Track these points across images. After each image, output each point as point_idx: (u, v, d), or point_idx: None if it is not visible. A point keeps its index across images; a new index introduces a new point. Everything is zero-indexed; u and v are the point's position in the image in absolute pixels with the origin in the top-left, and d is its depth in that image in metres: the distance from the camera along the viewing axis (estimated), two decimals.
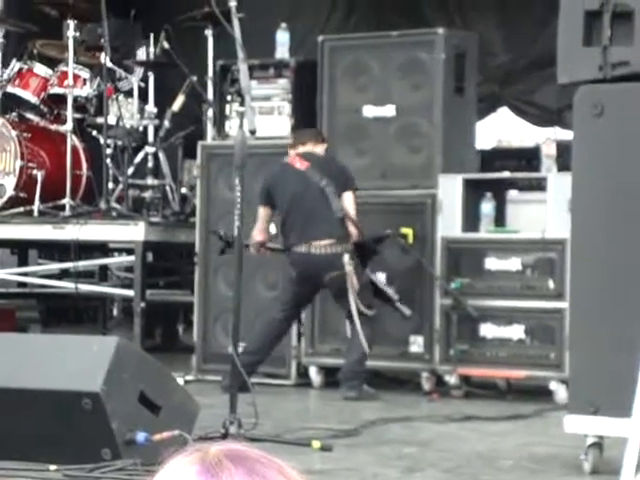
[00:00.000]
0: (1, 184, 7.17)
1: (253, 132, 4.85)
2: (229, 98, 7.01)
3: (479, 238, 6.32)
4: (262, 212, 6.24)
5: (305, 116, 6.80)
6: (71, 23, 7.11)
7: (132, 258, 7.19)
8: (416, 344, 6.43)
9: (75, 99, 7.24)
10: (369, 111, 6.63)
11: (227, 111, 7.02)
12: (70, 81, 7.19)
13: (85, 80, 7.35)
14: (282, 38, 6.87)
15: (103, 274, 8.92)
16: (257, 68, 6.75)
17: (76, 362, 4.10)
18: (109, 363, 4.06)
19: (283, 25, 6.93)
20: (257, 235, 6.23)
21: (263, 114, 6.78)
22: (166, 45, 7.30)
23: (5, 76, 7.32)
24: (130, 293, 7.18)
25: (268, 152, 6.72)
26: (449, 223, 6.33)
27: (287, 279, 6.33)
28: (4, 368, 4.15)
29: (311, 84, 6.74)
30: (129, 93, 7.46)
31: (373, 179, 6.59)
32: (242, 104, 4.93)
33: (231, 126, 6.92)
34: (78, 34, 7.17)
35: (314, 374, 6.66)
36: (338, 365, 6.24)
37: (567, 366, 5.62)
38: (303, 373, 6.70)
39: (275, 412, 5.46)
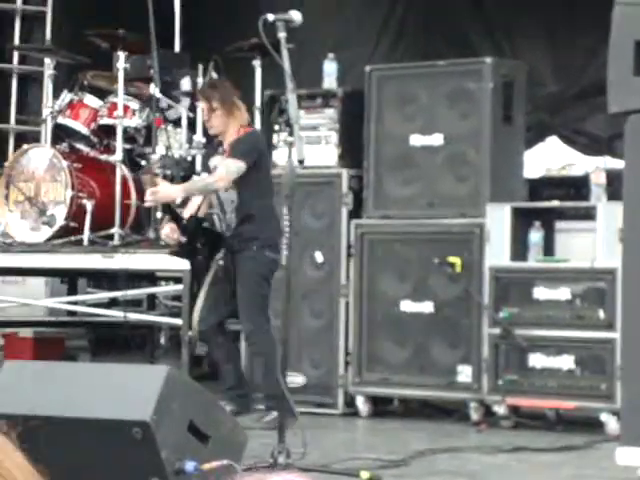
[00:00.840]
0: (52, 214, 7.23)
1: (302, 161, 4.86)
2: (277, 128, 7.02)
3: (528, 267, 6.27)
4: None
5: (352, 145, 6.80)
6: (121, 55, 7.17)
7: (180, 287, 7.21)
8: (464, 374, 6.38)
9: (125, 130, 7.29)
10: (416, 140, 6.62)
11: (274, 141, 7.04)
12: (120, 112, 7.24)
13: (134, 111, 7.40)
14: (330, 68, 6.88)
15: (151, 303, 8.95)
16: (305, 98, 6.76)
17: (126, 391, 4.10)
18: (159, 392, 4.06)
19: (331, 55, 6.95)
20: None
21: (310, 144, 6.79)
22: (215, 75, 7.33)
23: (56, 107, 7.39)
24: (178, 322, 7.20)
25: (315, 181, 6.73)
26: (497, 252, 6.29)
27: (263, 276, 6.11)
28: (54, 397, 4.16)
29: (358, 113, 6.74)
30: (177, 123, 7.50)
31: (420, 208, 6.57)
32: (290, 134, 4.92)
33: (278, 156, 6.94)
34: (128, 65, 7.22)
35: (361, 404, 6.63)
36: (386, 395, 6.21)
37: (618, 397, 5.55)
38: (350, 402, 6.67)
39: (323, 442, 5.44)
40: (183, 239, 6.33)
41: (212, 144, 6.31)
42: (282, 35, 4.74)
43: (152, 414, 3.96)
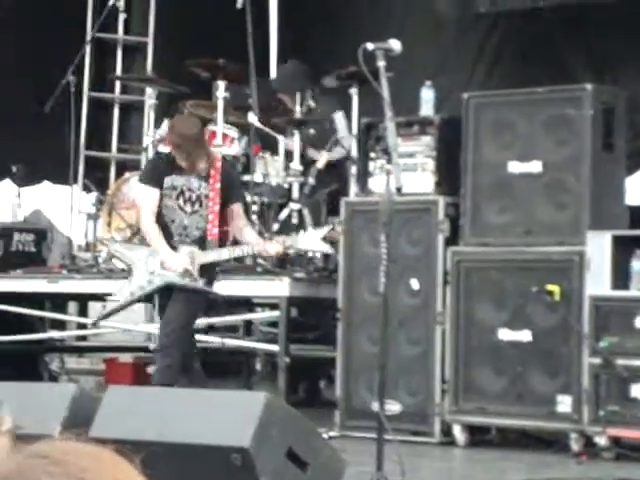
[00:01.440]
0: None
1: (400, 189, 4.85)
2: (373, 155, 7.02)
3: (629, 296, 6.15)
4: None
5: (449, 172, 6.76)
6: (221, 84, 7.24)
7: (276, 313, 7.23)
8: (564, 404, 6.27)
9: (223, 157, 7.35)
10: (514, 167, 6.55)
11: (371, 168, 7.03)
12: (219, 140, 7.31)
13: (233, 139, 7.47)
14: (427, 95, 6.86)
15: (247, 329, 8.99)
16: (402, 125, 6.74)
17: (225, 417, 4.11)
18: (258, 418, 4.06)
19: (428, 83, 6.93)
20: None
21: (407, 171, 6.77)
22: (312, 104, 7.37)
23: (157, 136, 7.49)
24: (274, 348, 7.21)
25: (412, 208, 6.70)
26: (598, 281, 6.19)
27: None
28: (153, 422, 4.18)
29: (455, 141, 6.71)
30: (275, 151, 7.55)
31: (518, 236, 6.50)
32: (388, 161, 4.91)
33: (374, 183, 6.93)
34: (227, 94, 7.29)
35: (458, 432, 6.55)
36: (483, 424, 6.13)
37: None
38: (447, 431, 6.60)
39: (420, 471, 5.38)
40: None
41: (163, 159, 6.16)
42: (381, 64, 4.74)
43: (251, 440, 3.97)
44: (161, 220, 5.98)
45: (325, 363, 8.24)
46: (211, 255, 5.99)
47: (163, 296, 6.04)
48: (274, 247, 6.01)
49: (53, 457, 1.30)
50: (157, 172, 6.03)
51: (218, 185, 5.96)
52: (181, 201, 5.97)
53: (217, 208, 5.98)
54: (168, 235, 5.99)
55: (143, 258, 6.07)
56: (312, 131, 7.58)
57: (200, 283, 5.96)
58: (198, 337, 7.91)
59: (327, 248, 6.37)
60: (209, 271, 6.03)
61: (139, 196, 6.17)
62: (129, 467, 1.45)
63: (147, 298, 6.23)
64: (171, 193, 5.98)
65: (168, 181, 5.99)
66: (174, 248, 5.97)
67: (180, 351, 5.94)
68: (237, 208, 6.06)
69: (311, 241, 6.10)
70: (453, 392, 6.61)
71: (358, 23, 8.92)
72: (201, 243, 6.00)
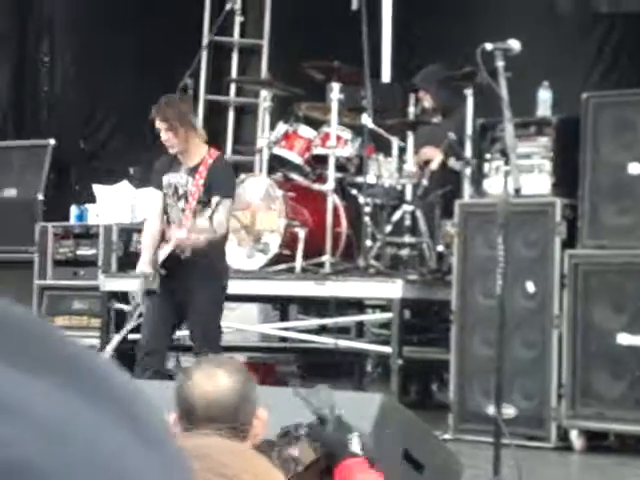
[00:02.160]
0: (266, 242, 7.35)
1: (518, 190, 4.79)
2: (488, 156, 6.95)
3: None
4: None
5: (566, 174, 6.65)
6: (335, 86, 7.25)
7: (389, 315, 7.20)
8: None
9: (337, 159, 7.36)
10: (635, 169, 6.42)
11: (485, 169, 6.96)
12: (333, 142, 7.31)
13: (347, 141, 7.46)
14: (544, 96, 6.77)
15: (359, 330, 8.98)
16: (518, 126, 6.66)
17: None
18: (374, 420, 4.04)
19: (545, 83, 6.83)
20: None
21: (523, 172, 6.68)
22: (426, 105, 7.33)
23: (272, 138, 7.53)
24: (386, 350, 7.18)
25: (528, 210, 6.61)
26: None
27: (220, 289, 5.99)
28: (275, 422, 4.19)
29: (572, 142, 6.60)
30: (388, 152, 7.53)
31: (637, 238, 6.36)
32: (506, 163, 4.86)
33: (490, 184, 6.85)
34: (342, 96, 7.29)
35: (575, 438, 6.44)
36: (601, 429, 6.01)
37: None
38: (563, 436, 6.49)
39: (536, 476, 5.30)
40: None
41: (163, 160, 6.01)
42: (500, 64, 4.69)
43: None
44: (167, 220, 5.92)
45: (437, 365, 8.19)
46: (162, 252, 5.83)
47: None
48: (177, 232, 5.73)
49: (195, 452, 1.30)
50: (157, 173, 5.96)
51: (201, 182, 5.80)
52: (175, 198, 5.87)
53: (194, 204, 5.80)
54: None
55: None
56: (453, 136, 7.43)
57: (153, 284, 5.84)
58: (311, 338, 7.94)
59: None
60: (169, 266, 5.85)
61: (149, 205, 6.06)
62: (268, 463, 1.45)
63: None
64: (168, 191, 5.89)
65: (166, 179, 5.90)
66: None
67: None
68: (214, 201, 5.77)
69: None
70: (570, 397, 6.49)
71: (473, 23, 8.84)
72: None
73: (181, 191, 5.86)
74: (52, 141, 8.52)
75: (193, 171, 5.84)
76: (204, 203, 5.81)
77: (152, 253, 5.86)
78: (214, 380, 2.65)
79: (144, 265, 5.85)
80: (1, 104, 9.33)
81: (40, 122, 9.44)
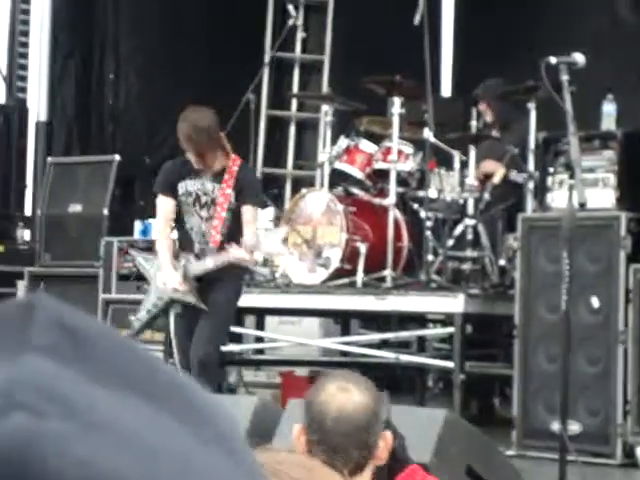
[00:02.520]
0: (327, 256, 7.34)
1: (583, 205, 4.73)
2: (551, 170, 6.88)
3: None
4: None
5: (631, 188, 6.57)
6: (397, 100, 7.23)
7: (451, 329, 7.16)
8: None
9: (398, 173, 7.33)
10: None
11: (549, 183, 6.89)
12: (394, 156, 7.29)
13: (408, 155, 7.44)
14: (608, 109, 6.69)
15: (420, 345, 8.93)
16: (582, 140, 6.59)
17: (404, 433, 4.07)
18: (438, 435, 4.01)
19: (610, 96, 6.76)
20: None
21: (588, 186, 6.61)
22: (488, 119, 7.29)
23: (333, 152, 7.52)
24: (448, 364, 7.13)
25: (592, 224, 6.53)
26: None
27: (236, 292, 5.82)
28: None
29: (637, 155, 6.51)
30: (450, 166, 7.49)
31: None
32: (571, 176, 4.80)
33: (553, 198, 6.78)
34: (403, 110, 7.27)
35: None
36: None
37: None
38: (629, 453, 6.39)
39: None
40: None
41: (175, 164, 5.80)
42: (565, 78, 4.64)
43: (431, 457, 3.91)
44: (184, 228, 5.76)
45: (499, 380, 8.12)
46: (198, 266, 5.69)
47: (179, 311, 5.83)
48: (238, 252, 5.57)
49: (268, 467, 1.29)
50: (168, 179, 5.76)
51: (229, 191, 5.65)
52: (197, 207, 5.70)
53: (224, 214, 5.66)
54: (190, 242, 5.77)
55: (156, 273, 5.89)
56: (509, 148, 7.39)
57: (189, 297, 5.72)
58: (373, 352, 7.91)
59: (284, 251, 6.05)
60: (203, 281, 5.72)
61: (156, 209, 5.90)
62: (339, 478, 1.43)
63: (165, 312, 5.97)
64: (187, 199, 5.72)
65: (182, 186, 5.72)
66: (197, 256, 5.75)
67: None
68: (245, 211, 5.63)
69: (271, 244, 5.72)
70: (636, 413, 6.39)
71: (535, 36, 8.78)
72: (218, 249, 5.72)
73: (204, 199, 5.70)
74: (117, 157, 8.59)
75: (218, 178, 5.68)
76: (233, 212, 5.69)
77: (174, 265, 5.73)
78: (348, 395, 2.62)
79: (174, 282, 5.69)
80: (67, 120, 9.43)
81: (105, 137, 9.52)
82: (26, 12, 9.24)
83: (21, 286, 8.05)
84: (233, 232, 5.69)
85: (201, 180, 5.71)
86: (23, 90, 9.30)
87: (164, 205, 5.78)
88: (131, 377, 0.51)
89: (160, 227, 5.86)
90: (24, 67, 9.33)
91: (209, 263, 5.68)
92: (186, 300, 5.75)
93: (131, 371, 0.51)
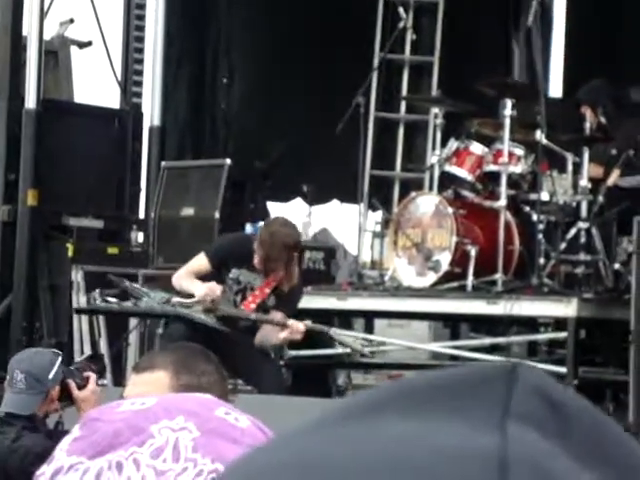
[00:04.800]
0: (437, 260, 7.14)
1: None
2: None
3: None
4: None
5: None
6: (508, 102, 6.99)
7: (563, 334, 6.91)
8: None
9: (509, 176, 7.10)
10: None
11: None
12: (505, 159, 7.06)
13: (519, 157, 7.20)
14: None
15: (532, 349, 8.65)
16: None
17: None
18: None
19: None
20: None
21: None
22: (602, 120, 7.01)
23: (443, 155, 7.32)
24: (561, 370, 6.87)
25: None
26: None
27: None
28: None
29: None
30: (563, 169, 7.23)
31: None
32: None
33: None
34: (514, 112, 7.03)
35: None
36: None
37: None
38: None
39: None
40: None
41: (243, 246, 5.59)
42: None
43: None
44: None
45: (613, 386, 7.83)
46: (237, 311, 5.52)
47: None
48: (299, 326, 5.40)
49: None
50: (225, 258, 5.58)
51: (268, 290, 5.53)
52: (239, 298, 5.54)
53: (267, 290, 5.50)
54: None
55: (160, 296, 5.66)
56: (613, 151, 7.14)
57: (210, 320, 5.49)
58: (483, 357, 7.66)
59: (363, 350, 5.95)
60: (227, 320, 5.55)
61: (192, 260, 5.65)
62: None
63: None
64: (232, 286, 5.55)
65: (236, 273, 5.54)
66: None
67: None
68: (275, 314, 5.50)
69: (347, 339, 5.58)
70: None
71: None
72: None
73: (248, 294, 5.56)
74: (228, 161, 8.51)
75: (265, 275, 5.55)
76: (263, 309, 5.55)
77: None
78: None
79: (215, 289, 5.48)
80: (180, 124, 9.39)
81: (217, 141, 9.46)
82: (141, 18, 9.22)
83: None
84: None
85: (255, 275, 5.57)
86: (138, 95, 9.27)
87: (202, 267, 5.59)
88: (610, 458, 0.48)
89: (182, 271, 5.64)
90: (139, 73, 9.31)
91: (250, 315, 5.51)
92: (201, 318, 5.54)
93: (610, 452, 0.49)
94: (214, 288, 5.48)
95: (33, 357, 3.90)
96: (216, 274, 5.59)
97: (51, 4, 8.62)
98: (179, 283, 5.61)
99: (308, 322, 5.70)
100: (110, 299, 6.28)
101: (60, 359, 3.88)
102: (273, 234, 5.41)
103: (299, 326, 5.43)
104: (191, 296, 5.55)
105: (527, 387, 0.48)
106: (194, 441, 0.91)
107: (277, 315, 5.52)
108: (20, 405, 3.79)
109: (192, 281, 5.55)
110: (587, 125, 7.19)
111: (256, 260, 5.47)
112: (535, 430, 0.47)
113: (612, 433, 0.50)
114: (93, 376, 3.88)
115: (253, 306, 5.56)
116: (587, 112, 7.36)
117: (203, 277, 5.60)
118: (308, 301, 6.69)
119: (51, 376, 3.80)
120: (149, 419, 0.92)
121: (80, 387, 3.83)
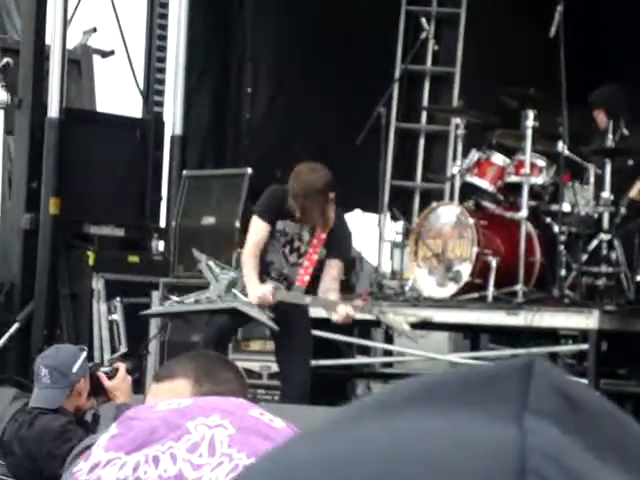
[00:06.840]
0: (457, 270, 7.04)
1: None
2: None
3: None
4: None
5: None
6: (530, 113, 6.89)
7: (585, 346, 6.79)
8: None
9: (531, 187, 7.00)
10: None
11: None
12: (527, 170, 6.95)
13: (541, 168, 7.08)
14: None
15: (552, 361, 8.53)
16: None
17: None
18: None
19: None
20: None
21: None
22: (625, 132, 6.89)
23: (464, 165, 7.22)
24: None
25: None
26: None
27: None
28: None
29: None
30: (585, 180, 7.11)
31: None
32: None
33: None
34: (537, 123, 6.93)
35: None
36: None
37: None
38: None
39: None
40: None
41: (278, 196, 5.55)
42: None
43: None
44: (263, 260, 5.52)
45: (636, 399, 7.71)
46: (293, 296, 5.46)
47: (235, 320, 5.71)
48: (347, 309, 5.39)
49: None
50: (273, 209, 5.54)
51: (320, 248, 5.47)
52: (287, 250, 5.49)
53: (315, 257, 5.44)
54: (263, 274, 5.56)
55: (227, 279, 5.64)
56: (630, 162, 7.04)
57: (263, 316, 5.48)
58: None
59: (411, 334, 5.82)
60: (282, 309, 5.51)
61: (250, 228, 5.66)
62: None
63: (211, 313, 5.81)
64: (280, 238, 5.50)
65: (281, 225, 5.50)
66: (288, 287, 5.59)
67: None
68: (333, 265, 5.43)
69: (396, 321, 5.52)
70: None
71: None
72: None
73: (296, 244, 5.52)
74: (249, 170, 8.44)
75: (314, 230, 5.51)
76: (320, 262, 5.54)
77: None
78: None
79: (267, 292, 5.45)
80: (201, 133, 9.32)
81: (238, 151, 9.38)
82: (163, 27, 9.15)
83: (155, 297, 7.93)
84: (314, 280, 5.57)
85: (300, 225, 5.53)
86: (160, 104, 9.21)
87: (261, 231, 5.56)
88: (630, 457, 0.48)
89: (250, 247, 5.59)
90: (161, 82, 9.24)
91: (306, 299, 5.52)
92: (254, 315, 5.52)
93: (631, 451, 0.49)
94: (267, 297, 5.44)
95: (57, 352, 3.93)
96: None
97: (74, 13, 8.57)
98: (244, 267, 5.59)
99: (354, 305, 5.60)
100: (170, 300, 6.33)
101: (84, 354, 3.90)
102: (305, 185, 5.38)
103: (348, 312, 5.44)
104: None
105: (545, 383, 0.48)
106: (229, 437, 0.93)
107: (331, 296, 5.46)
108: (46, 400, 3.80)
109: (251, 275, 5.50)
110: (610, 136, 7.07)
111: (297, 213, 5.44)
112: (554, 425, 0.47)
113: (633, 432, 0.50)
114: (123, 365, 3.89)
115: (307, 278, 5.53)
116: (599, 116, 7.24)
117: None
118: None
119: (75, 370, 3.82)
120: (185, 416, 0.93)
121: (110, 377, 3.82)
